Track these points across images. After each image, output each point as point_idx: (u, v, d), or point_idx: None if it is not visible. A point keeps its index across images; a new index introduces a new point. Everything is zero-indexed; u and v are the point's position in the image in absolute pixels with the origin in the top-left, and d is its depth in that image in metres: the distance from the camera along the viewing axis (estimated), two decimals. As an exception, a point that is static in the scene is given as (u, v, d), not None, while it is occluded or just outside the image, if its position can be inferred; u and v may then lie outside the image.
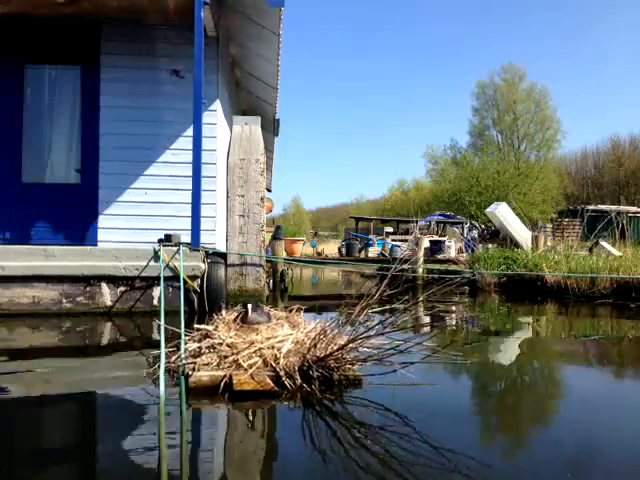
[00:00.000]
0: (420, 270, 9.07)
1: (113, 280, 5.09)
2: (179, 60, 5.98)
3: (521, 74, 37.24)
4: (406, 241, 14.60)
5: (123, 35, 5.98)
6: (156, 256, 5.09)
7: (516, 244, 10.60)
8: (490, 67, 68.88)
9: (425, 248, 10.61)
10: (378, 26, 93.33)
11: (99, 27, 5.97)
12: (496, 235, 12.26)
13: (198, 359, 2.62)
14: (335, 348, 2.56)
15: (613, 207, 20.18)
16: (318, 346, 2.56)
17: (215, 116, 6.06)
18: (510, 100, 36.71)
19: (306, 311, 3.78)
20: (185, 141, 5.87)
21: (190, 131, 5.47)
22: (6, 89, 5.94)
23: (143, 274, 5.08)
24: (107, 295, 5.08)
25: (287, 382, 2.43)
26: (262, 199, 6.27)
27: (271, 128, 9.77)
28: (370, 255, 13.64)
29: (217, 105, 6.10)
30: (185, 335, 2.94)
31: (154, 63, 6.02)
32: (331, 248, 22.54)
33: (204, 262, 5.29)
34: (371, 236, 16.71)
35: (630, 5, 59.30)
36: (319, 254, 16.87)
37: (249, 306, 3.17)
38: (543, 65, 66.76)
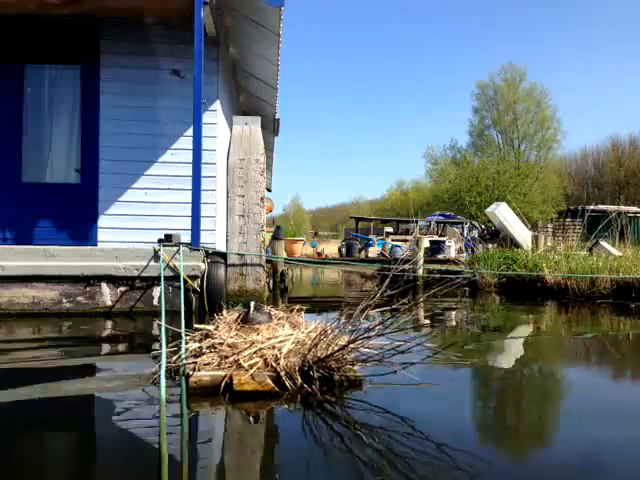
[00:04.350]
0: (420, 270, 9.06)
1: (113, 280, 5.08)
2: (179, 60, 5.98)
3: (521, 74, 37.25)
4: (406, 241, 14.58)
5: (123, 35, 5.97)
6: (156, 256, 5.09)
7: (516, 244, 10.60)
8: (490, 67, 68.88)
9: (425, 248, 10.59)
10: (378, 26, 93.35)
11: (99, 27, 5.96)
12: (496, 235, 12.24)
13: (199, 359, 2.62)
14: (336, 349, 2.55)
15: (613, 207, 20.17)
16: (319, 346, 2.55)
17: (215, 116, 6.06)
18: (510, 100, 36.71)
19: (306, 311, 3.77)
20: (185, 141, 5.87)
21: (190, 131, 5.46)
22: (6, 89, 5.93)
23: (143, 274, 5.08)
24: (107, 295, 5.07)
25: (287, 382, 2.43)
26: (262, 199, 6.27)
27: (271, 128, 9.76)
28: (370, 255, 13.60)
29: (217, 105, 6.10)
30: (186, 335, 2.94)
31: (154, 63, 6.01)
32: (331, 248, 22.53)
33: (204, 262, 5.28)
34: (371, 236, 16.67)
35: (630, 4, 59.32)
36: (319, 254, 16.86)
37: (251, 304, 3.17)
38: (543, 65, 66.92)
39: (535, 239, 10.46)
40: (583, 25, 67.57)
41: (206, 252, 5.42)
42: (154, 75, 6.02)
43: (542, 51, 68.84)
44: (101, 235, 5.90)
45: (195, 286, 5.19)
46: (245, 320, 3.03)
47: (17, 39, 5.94)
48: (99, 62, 5.99)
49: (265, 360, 2.55)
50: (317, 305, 6.75)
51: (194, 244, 5.16)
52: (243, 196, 6.19)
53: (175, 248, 5.12)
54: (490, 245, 10.72)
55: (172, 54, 6.00)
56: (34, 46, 6.00)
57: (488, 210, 12.08)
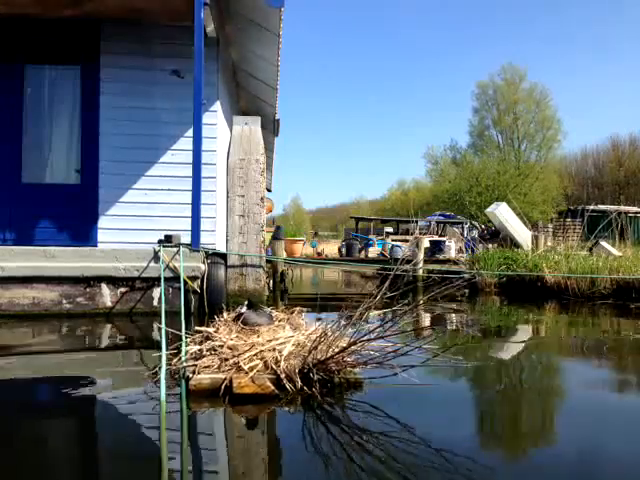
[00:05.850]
0: (420, 271, 9.05)
1: (113, 281, 5.08)
2: (179, 60, 5.96)
3: (521, 74, 37.20)
4: (406, 241, 14.57)
5: (123, 35, 5.96)
6: (156, 257, 5.08)
7: (516, 244, 10.58)
8: (490, 67, 68.83)
9: (425, 248, 10.58)
10: (378, 26, 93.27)
11: (99, 27, 5.95)
12: (496, 235, 12.22)
13: (199, 362, 2.61)
14: (336, 351, 2.55)
15: (613, 207, 20.16)
16: (319, 348, 2.55)
17: (215, 116, 6.05)
18: (510, 100, 36.66)
19: (306, 312, 3.77)
20: (185, 141, 5.86)
21: (190, 131, 5.45)
22: (6, 89, 5.92)
23: (143, 275, 5.08)
24: (107, 296, 5.07)
25: (288, 385, 2.42)
26: (262, 199, 6.26)
27: (271, 128, 9.75)
28: (370, 255, 13.60)
29: (217, 106, 6.09)
30: (186, 337, 2.93)
31: (154, 63, 6.00)
32: (331, 248, 22.53)
33: (204, 263, 5.28)
34: (371, 236, 16.68)
35: (630, 4, 59.25)
36: (319, 254, 16.85)
37: (266, 309, 3.19)
38: (543, 65, 66.86)
39: (535, 239, 10.45)
40: (583, 25, 67.52)
41: (206, 253, 5.42)
42: (154, 75, 6.01)
43: (542, 51, 68.81)
44: (101, 236, 5.89)
45: (195, 287, 5.19)
46: (245, 322, 3.03)
47: (17, 39, 5.93)
48: (99, 62, 5.98)
49: (265, 362, 2.55)
50: (317, 305, 6.74)
51: (194, 245, 5.16)
52: (243, 196, 6.18)
53: (175, 249, 5.12)
54: (490, 245, 10.71)
55: (172, 54, 5.98)
56: (34, 46, 5.99)
57: (488, 210, 12.06)
